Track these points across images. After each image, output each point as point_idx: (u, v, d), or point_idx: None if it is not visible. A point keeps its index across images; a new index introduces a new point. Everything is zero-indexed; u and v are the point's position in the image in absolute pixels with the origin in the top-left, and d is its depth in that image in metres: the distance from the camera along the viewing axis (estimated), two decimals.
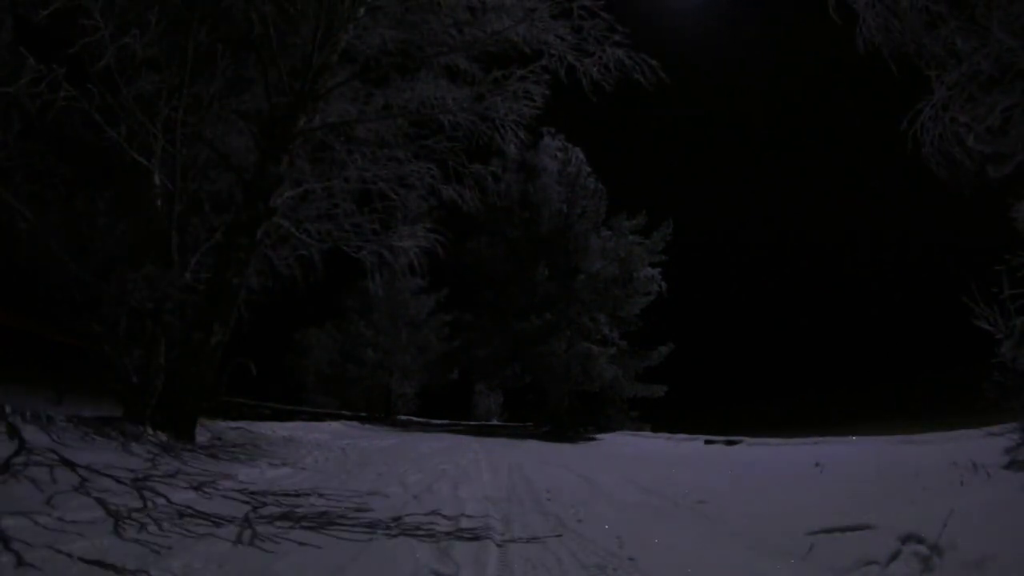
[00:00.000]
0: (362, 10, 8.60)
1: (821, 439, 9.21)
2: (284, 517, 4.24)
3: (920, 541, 3.18)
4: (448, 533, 4.13)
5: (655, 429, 17.80)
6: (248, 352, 10.30)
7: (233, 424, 10.42)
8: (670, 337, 20.36)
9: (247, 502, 4.61)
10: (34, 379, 11.14)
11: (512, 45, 8.54)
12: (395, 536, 3.95)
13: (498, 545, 3.89)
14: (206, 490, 4.86)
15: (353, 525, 4.15)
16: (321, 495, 5.24)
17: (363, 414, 22.18)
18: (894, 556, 3.17)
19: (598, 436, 17.48)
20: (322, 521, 4.21)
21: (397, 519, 4.43)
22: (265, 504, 4.61)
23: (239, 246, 7.68)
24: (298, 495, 5.19)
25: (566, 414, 20.54)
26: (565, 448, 13.76)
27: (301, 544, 3.54)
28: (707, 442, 11.98)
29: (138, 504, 4.00)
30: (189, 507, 4.17)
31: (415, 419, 25.03)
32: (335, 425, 15.80)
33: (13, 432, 4.79)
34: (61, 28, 6.98)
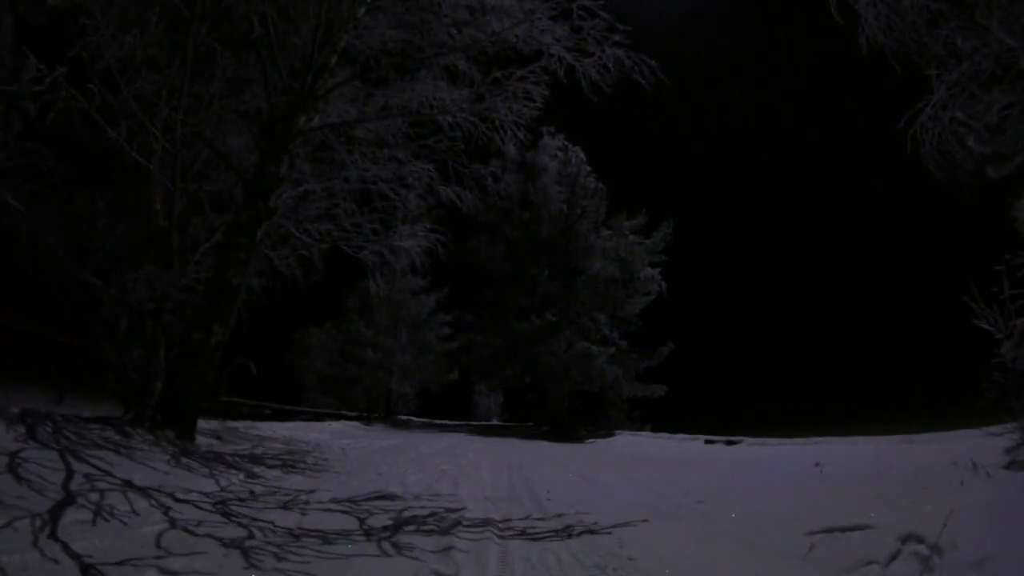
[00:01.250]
0: (362, 10, 8.60)
1: (821, 439, 9.21)
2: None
3: (920, 541, 3.18)
4: (449, 533, 4.13)
5: (655, 429, 17.81)
6: (248, 352, 10.32)
7: (241, 424, 10.43)
8: (670, 337, 20.37)
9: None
10: (34, 379, 11.15)
11: (511, 46, 8.53)
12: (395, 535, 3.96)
13: (498, 545, 3.89)
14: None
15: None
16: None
17: (363, 414, 22.19)
18: (894, 556, 3.17)
19: (598, 436, 17.49)
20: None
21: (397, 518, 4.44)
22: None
23: (239, 246, 7.68)
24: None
25: (566, 414, 20.55)
26: (565, 448, 13.76)
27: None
28: (707, 442, 11.99)
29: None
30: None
31: (415, 419, 25.04)
32: (335, 425, 15.80)
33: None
34: (61, 28, 6.99)
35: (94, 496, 3.93)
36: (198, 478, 5.28)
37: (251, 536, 3.66)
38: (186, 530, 3.64)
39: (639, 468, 8.85)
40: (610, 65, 8.31)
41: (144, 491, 4.32)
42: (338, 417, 19.64)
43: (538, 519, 4.76)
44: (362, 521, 4.32)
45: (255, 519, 4.10)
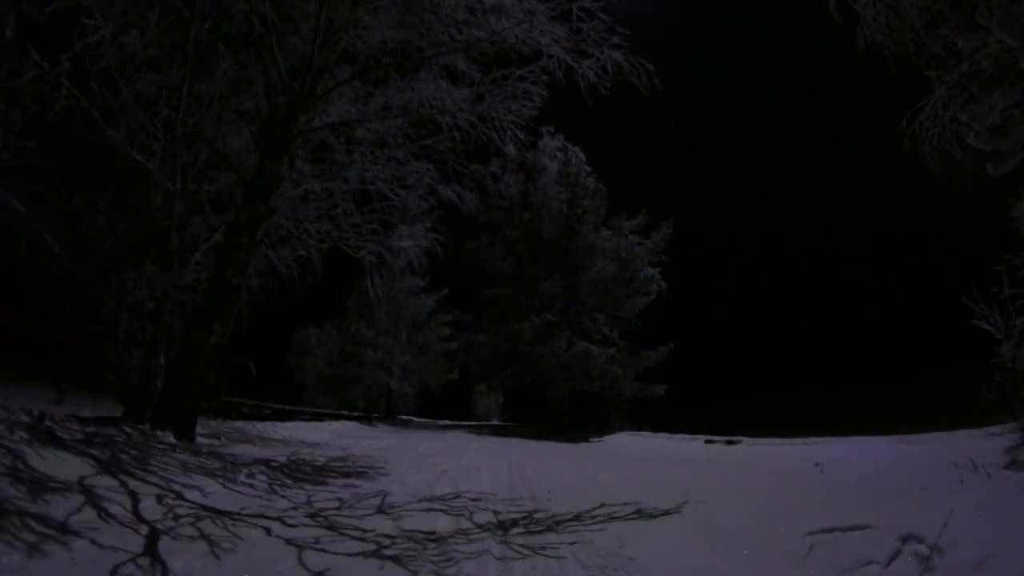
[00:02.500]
0: (362, 10, 8.60)
1: (821, 439, 9.22)
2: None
3: (920, 541, 3.18)
4: (450, 533, 4.14)
5: (655, 429, 17.79)
6: (248, 352, 10.33)
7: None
8: (670, 337, 20.35)
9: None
10: (34, 379, 11.15)
11: (511, 46, 8.53)
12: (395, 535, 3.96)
13: (499, 544, 3.89)
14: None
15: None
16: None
17: (363, 414, 22.18)
18: (894, 556, 3.17)
19: (598, 436, 17.48)
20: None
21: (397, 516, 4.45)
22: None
23: (239, 246, 7.68)
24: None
25: (566, 414, 20.55)
26: (565, 448, 13.76)
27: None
28: (707, 442, 12.00)
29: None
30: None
31: (415, 419, 25.04)
32: (336, 425, 15.80)
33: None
34: (62, 28, 6.98)
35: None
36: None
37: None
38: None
39: (639, 468, 8.84)
40: (609, 67, 8.32)
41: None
42: (338, 417, 19.64)
43: (539, 518, 4.76)
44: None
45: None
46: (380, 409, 23.99)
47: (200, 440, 7.60)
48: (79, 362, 9.88)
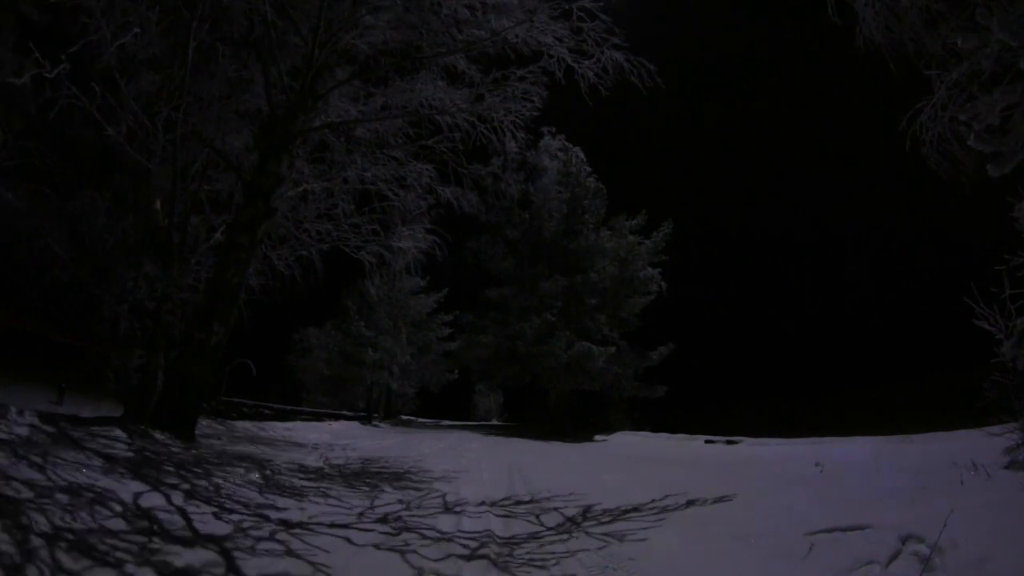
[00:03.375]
0: (363, 11, 8.59)
1: (821, 439, 9.22)
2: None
3: (920, 541, 3.18)
4: (450, 532, 4.14)
5: (655, 429, 17.79)
6: (248, 352, 10.34)
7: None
8: (670, 337, 20.34)
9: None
10: (34, 379, 11.15)
11: (511, 46, 8.54)
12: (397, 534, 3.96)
13: (499, 544, 3.89)
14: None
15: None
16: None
17: (363, 414, 22.19)
18: (894, 556, 3.17)
19: (598, 436, 17.48)
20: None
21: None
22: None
23: (239, 246, 7.68)
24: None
25: (566, 414, 20.54)
26: (565, 448, 13.75)
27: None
28: (707, 442, 12.00)
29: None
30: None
31: (415, 419, 25.04)
32: (336, 425, 15.80)
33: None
34: (62, 27, 6.98)
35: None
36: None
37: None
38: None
39: (639, 468, 8.84)
40: (609, 67, 8.32)
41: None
42: (338, 417, 19.65)
43: (539, 518, 4.76)
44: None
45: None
46: (380, 409, 23.99)
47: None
48: (79, 362, 9.89)
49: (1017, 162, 4.59)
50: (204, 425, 9.05)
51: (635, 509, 5.14)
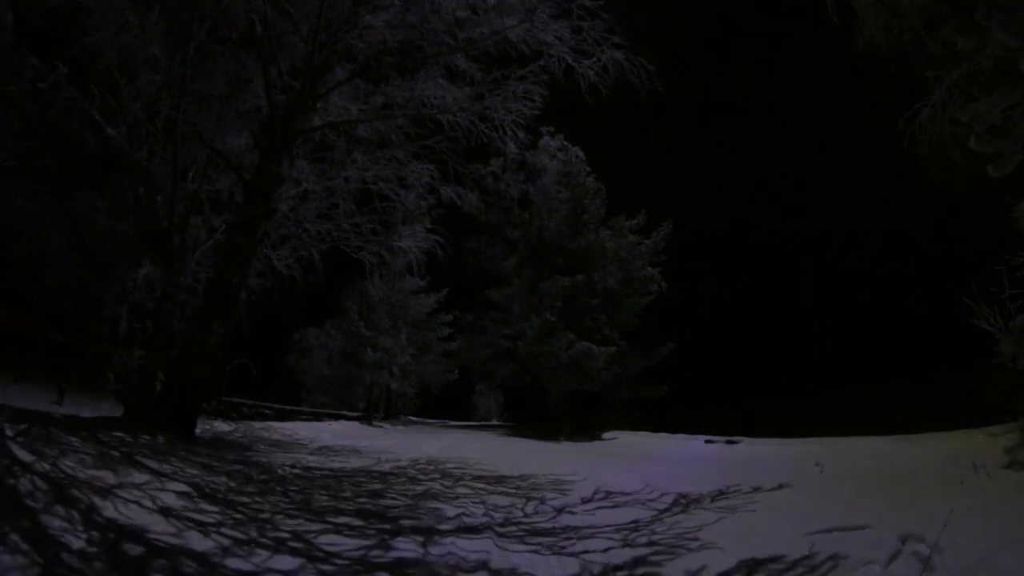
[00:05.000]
0: (363, 10, 8.59)
1: (821, 439, 9.22)
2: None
3: (920, 541, 3.18)
4: (450, 531, 4.14)
5: (655, 429, 17.80)
6: (248, 352, 10.33)
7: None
8: (670, 337, 20.32)
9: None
10: (34, 379, 11.14)
11: (512, 45, 8.54)
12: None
13: (499, 541, 3.90)
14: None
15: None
16: None
17: (363, 414, 22.18)
18: (894, 556, 3.17)
19: (598, 436, 17.49)
20: None
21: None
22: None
23: (239, 246, 7.68)
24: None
25: (566, 414, 20.53)
26: (565, 448, 13.75)
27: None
28: (707, 442, 12.02)
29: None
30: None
31: (415, 419, 25.04)
32: (336, 425, 15.80)
33: None
34: (61, 28, 6.98)
35: None
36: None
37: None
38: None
39: (640, 467, 8.84)
40: (609, 67, 8.33)
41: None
42: (338, 417, 19.65)
43: (541, 516, 4.77)
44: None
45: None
46: (380, 409, 23.99)
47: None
48: (79, 362, 9.88)
49: (1017, 162, 4.59)
50: (207, 426, 9.05)
51: (637, 507, 5.14)
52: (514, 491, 5.98)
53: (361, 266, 9.75)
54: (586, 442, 16.07)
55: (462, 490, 5.94)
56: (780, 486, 5.55)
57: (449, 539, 3.88)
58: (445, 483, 6.30)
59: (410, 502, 5.06)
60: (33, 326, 12.31)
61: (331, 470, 6.88)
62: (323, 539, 3.70)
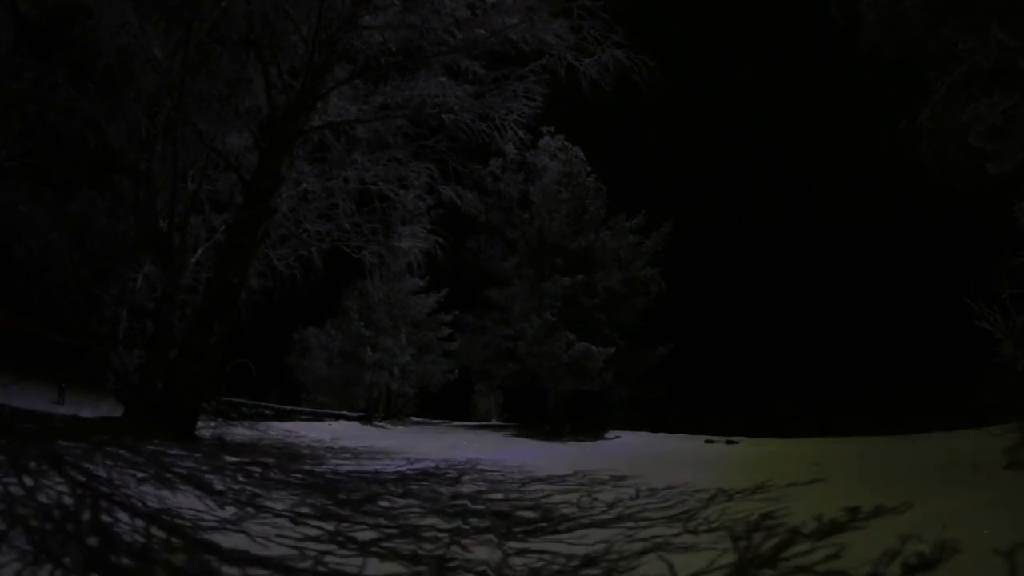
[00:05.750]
0: (363, 10, 8.59)
1: (821, 439, 9.22)
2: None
3: (920, 540, 3.18)
4: (451, 530, 4.15)
5: (655, 429, 17.77)
6: (248, 352, 10.32)
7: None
8: (670, 337, 20.31)
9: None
10: (34, 379, 11.14)
11: (512, 44, 8.53)
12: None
13: (500, 538, 3.90)
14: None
15: None
16: None
17: (363, 414, 22.19)
18: (894, 556, 3.17)
19: (598, 436, 17.48)
20: None
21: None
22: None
23: (239, 246, 7.68)
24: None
25: (566, 414, 20.53)
26: (565, 448, 13.75)
27: None
28: (707, 442, 12.01)
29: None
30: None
31: (415, 419, 25.03)
32: (336, 425, 15.80)
33: None
34: (61, 28, 6.98)
35: None
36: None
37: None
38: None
39: (640, 467, 8.84)
40: (609, 65, 8.32)
41: None
42: (338, 417, 19.65)
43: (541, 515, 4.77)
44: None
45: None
46: (380, 409, 23.98)
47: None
48: (79, 362, 9.87)
49: (1017, 162, 4.59)
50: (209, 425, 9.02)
51: (636, 507, 5.14)
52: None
53: (361, 266, 9.77)
54: (590, 441, 16.06)
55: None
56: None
57: None
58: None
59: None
60: (33, 326, 12.31)
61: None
62: None
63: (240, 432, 9.84)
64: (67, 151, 8.09)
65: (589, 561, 3.54)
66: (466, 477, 6.84)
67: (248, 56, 8.85)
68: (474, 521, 4.50)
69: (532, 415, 22.58)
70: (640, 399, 20.17)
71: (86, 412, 7.68)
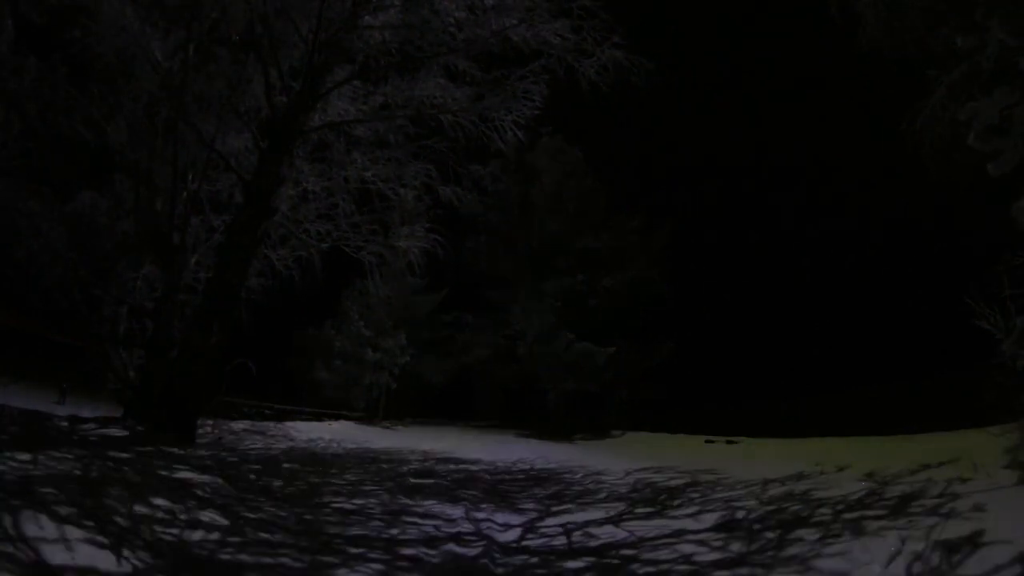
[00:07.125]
0: (363, 10, 8.59)
1: (821, 439, 9.22)
2: None
3: (920, 541, 3.18)
4: (452, 532, 4.15)
5: (655, 429, 17.78)
6: (248, 352, 10.32)
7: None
8: (670, 337, 20.32)
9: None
10: (34, 379, 11.14)
11: (512, 45, 8.53)
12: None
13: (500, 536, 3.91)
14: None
15: None
16: None
17: (363, 414, 22.20)
18: (894, 556, 3.17)
19: (598, 436, 17.49)
20: None
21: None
22: None
23: (239, 246, 7.68)
24: None
25: (566, 414, 20.55)
26: (565, 447, 13.76)
27: None
28: (707, 442, 12.01)
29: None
30: None
31: (415, 419, 25.02)
32: (336, 425, 15.81)
33: None
34: (61, 28, 6.99)
35: None
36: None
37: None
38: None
39: (640, 466, 8.84)
40: (609, 66, 8.32)
41: None
42: (338, 417, 19.66)
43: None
44: None
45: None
46: (380, 409, 23.99)
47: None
48: (79, 362, 9.88)
49: (1017, 162, 4.59)
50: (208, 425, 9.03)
51: (637, 505, 5.15)
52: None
53: (361, 266, 9.75)
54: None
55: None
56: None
57: None
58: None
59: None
60: (33, 326, 12.30)
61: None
62: None
63: (243, 431, 9.84)
64: (67, 151, 8.09)
65: None
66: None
67: (248, 56, 8.86)
68: None
69: (532, 415, 22.59)
70: (640, 399, 20.19)
71: (86, 412, 7.69)
